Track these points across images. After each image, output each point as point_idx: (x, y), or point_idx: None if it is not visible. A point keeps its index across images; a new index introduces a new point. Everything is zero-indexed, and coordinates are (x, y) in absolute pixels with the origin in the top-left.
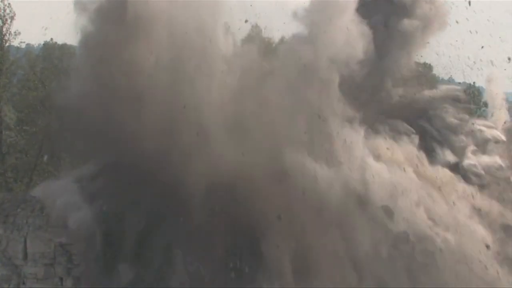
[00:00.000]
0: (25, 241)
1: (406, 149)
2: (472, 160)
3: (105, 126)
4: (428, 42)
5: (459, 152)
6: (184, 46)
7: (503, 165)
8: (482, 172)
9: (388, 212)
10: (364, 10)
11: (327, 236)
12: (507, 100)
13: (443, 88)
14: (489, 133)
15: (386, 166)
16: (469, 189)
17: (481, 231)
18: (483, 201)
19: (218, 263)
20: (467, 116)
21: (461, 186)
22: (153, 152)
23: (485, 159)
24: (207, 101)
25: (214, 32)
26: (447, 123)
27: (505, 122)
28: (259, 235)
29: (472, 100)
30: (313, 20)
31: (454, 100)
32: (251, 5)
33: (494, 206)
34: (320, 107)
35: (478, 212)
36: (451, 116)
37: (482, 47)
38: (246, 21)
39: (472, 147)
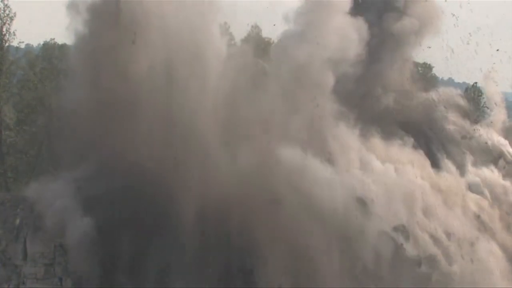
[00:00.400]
0: (25, 241)
1: (401, 150)
2: (473, 174)
3: (100, 129)
4: (429, 47)
5: (460, 164)
6: (178, 49)
7: (506, 185)
8: (486, 191)
9: (400, 230)
10: (357, 9)
11: (325, 252)
12: (506, 100)
13: (440, 94)
14: (505, 149)
15: (386, 167)
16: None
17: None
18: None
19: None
20: (467, 124)
21: (470, 199)
22: (147, 159)
23: (487, 174)
24: (201, 105)
25: (208, 35)
26: (446, 131)
27: (503, 122)
28: (254, 252)
29: (473, 100)
30: (307, 20)
31: (454, 106)
32: (248, 24)
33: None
34: (315, 108)
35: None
36: (451, 123)
37: (498, 50)
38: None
39: (471, 158)
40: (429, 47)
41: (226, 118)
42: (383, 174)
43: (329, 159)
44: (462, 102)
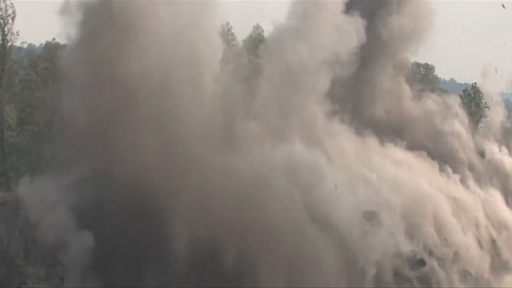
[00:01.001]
0: (26, 241)
1: (403, 152)
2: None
3: (94, 134)
4: (426, 50)
5: (461, 179)
6: (173, 52)
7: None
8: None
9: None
10: (349, 10)
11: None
12: (507, 100)
13: (437, 103)
14: None
15: (391, 168)
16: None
17: None
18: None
19: None
20: (469, 137)
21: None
22: (142, 167)
23: (492, 194)
24: (197, 110)
25: (203, 36)
26: (444, 143)
27: (501, 122)
28: (250, 270)
29: (474, 101)
30: (300, 20)
31: (453, 115)
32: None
33: None
34: (309, 109)
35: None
36: (449, 135)
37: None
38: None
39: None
40: (426, 50)
41: (222, 123)
42: (391, 177)
43: (329, 162)
44: (460, 111)
